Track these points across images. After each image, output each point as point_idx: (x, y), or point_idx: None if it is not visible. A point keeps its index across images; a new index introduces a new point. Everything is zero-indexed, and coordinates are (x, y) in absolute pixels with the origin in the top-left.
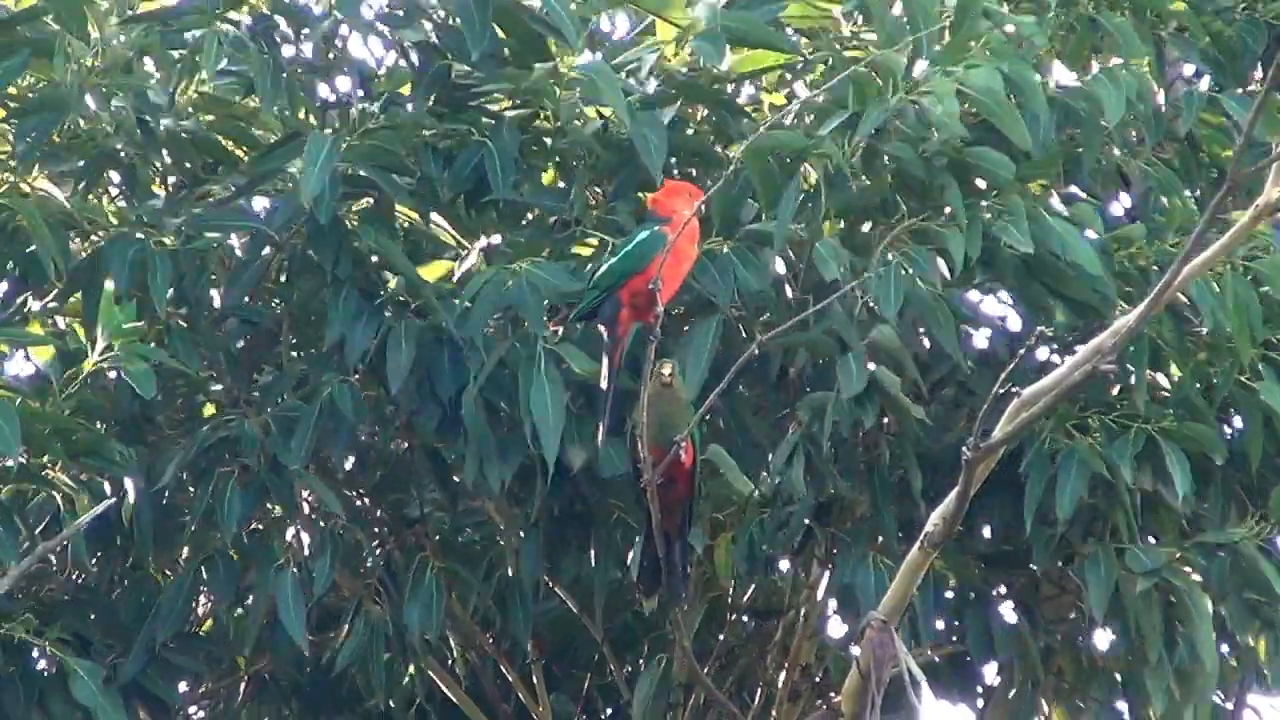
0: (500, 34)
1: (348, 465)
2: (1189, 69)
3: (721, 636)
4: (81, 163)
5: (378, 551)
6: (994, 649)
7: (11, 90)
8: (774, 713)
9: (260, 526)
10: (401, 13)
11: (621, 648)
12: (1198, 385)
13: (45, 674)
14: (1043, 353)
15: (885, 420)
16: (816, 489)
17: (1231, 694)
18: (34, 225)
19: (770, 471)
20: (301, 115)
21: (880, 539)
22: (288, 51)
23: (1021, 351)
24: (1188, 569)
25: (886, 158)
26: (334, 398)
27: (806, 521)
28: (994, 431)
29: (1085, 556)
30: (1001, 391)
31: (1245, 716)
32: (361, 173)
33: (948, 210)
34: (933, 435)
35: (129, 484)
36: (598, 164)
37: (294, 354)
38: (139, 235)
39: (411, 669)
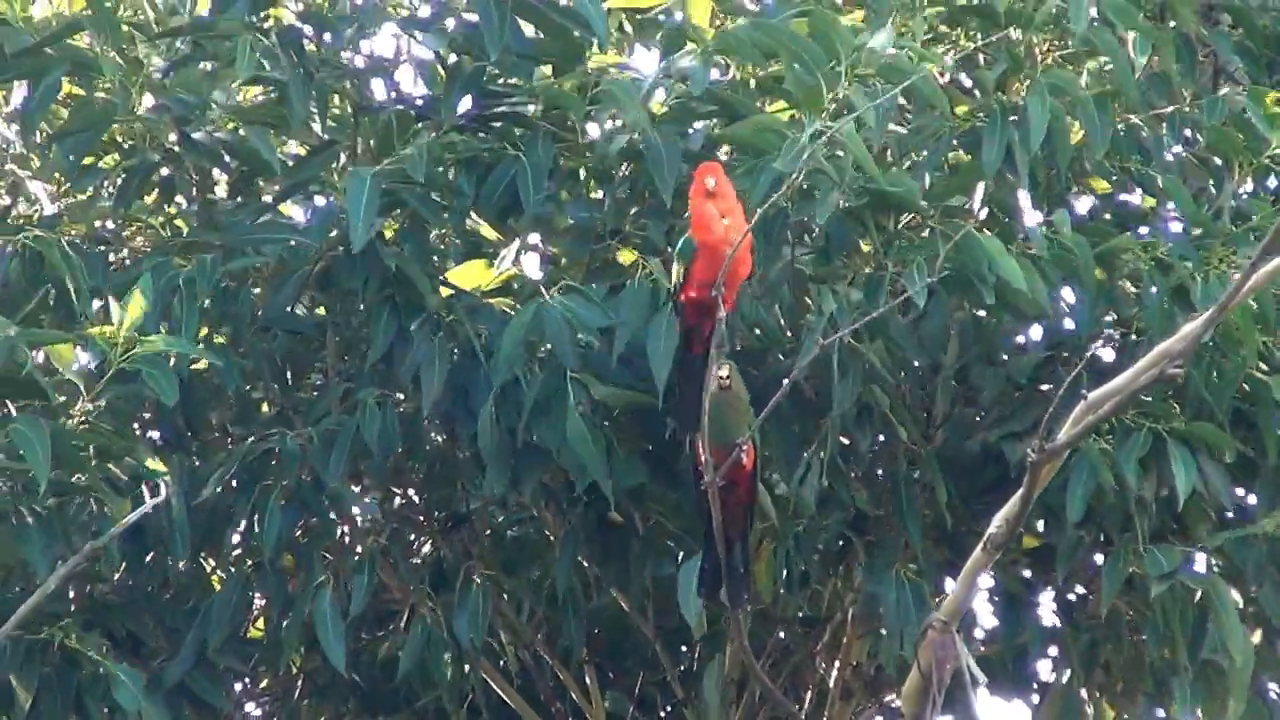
0: (532, 31)
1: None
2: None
3: (780, 635)
4: (122, 177)
5: (426, 550)
6: (1039, 645)
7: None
8: (826, 712)
9: (305, 536)
10: (429, 11)
11: (675, 646)
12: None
13: (87, 678)
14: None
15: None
16: (843, 503)
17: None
18: (54, 263)
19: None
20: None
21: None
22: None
23: (1087, 354)
24: (1216, 564)
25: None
26: (361, 424)
27: (844, 532)
28: (1059, 434)
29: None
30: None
31: None
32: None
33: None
34: (952, 443)
35: (164, 489)
36: (632, 173)
37: (342, 360)
38: (177, 261)
39: (466, 668)
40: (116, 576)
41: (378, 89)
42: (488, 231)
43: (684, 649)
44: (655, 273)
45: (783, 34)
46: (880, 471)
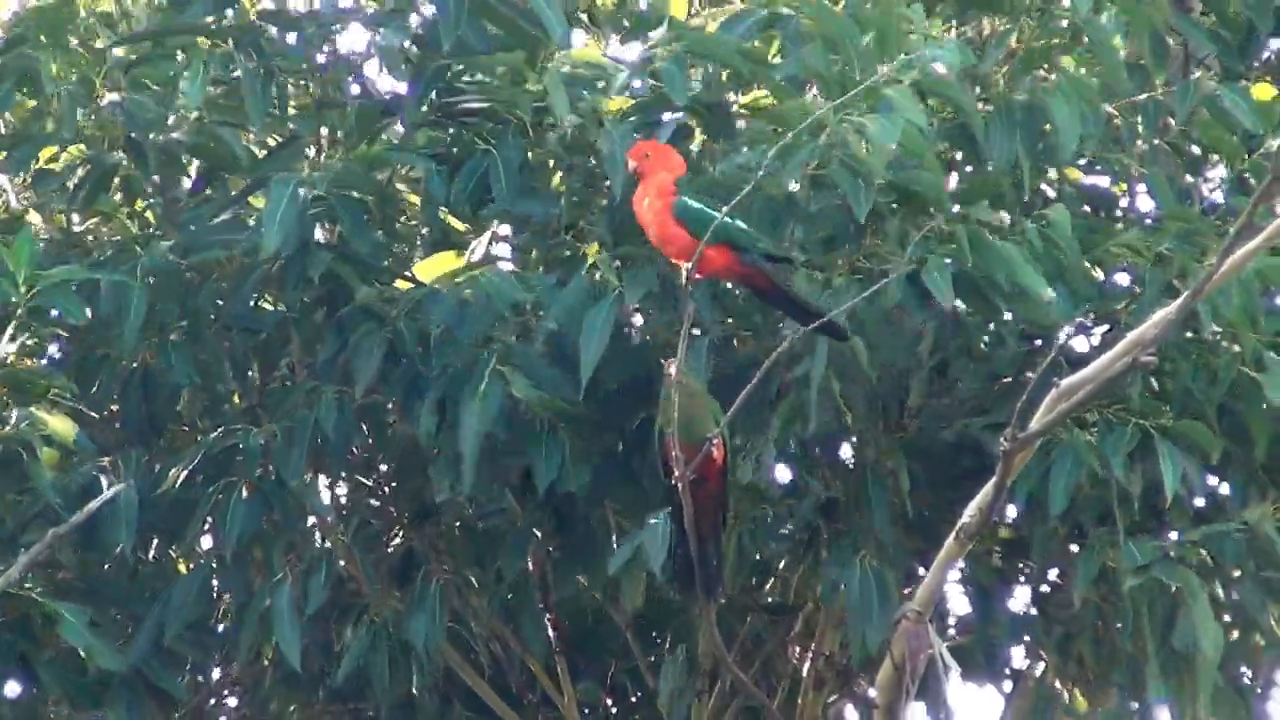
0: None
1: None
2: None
3: (751, 624)
4: (76, 179)
5: (396, 541)
6: (1012, 634)
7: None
8: (799, 701)
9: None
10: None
11: (646, 634)
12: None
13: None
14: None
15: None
16: (812, 489)
17: (1261, 674)
18: None
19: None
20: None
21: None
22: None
23: (1059, 343)
24: (1190, 557)
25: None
26: (319, 418)
27: (810, 520)
28: (1032, 422)
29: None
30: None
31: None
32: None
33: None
34: (927, 433)
35: (106, 485)
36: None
37: (307, 356)
38: (136, 248)
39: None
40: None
41: (347, 83)
42: (455, 223)
43: (655, 636)
44: (601, 267)
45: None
46: (852, 460)
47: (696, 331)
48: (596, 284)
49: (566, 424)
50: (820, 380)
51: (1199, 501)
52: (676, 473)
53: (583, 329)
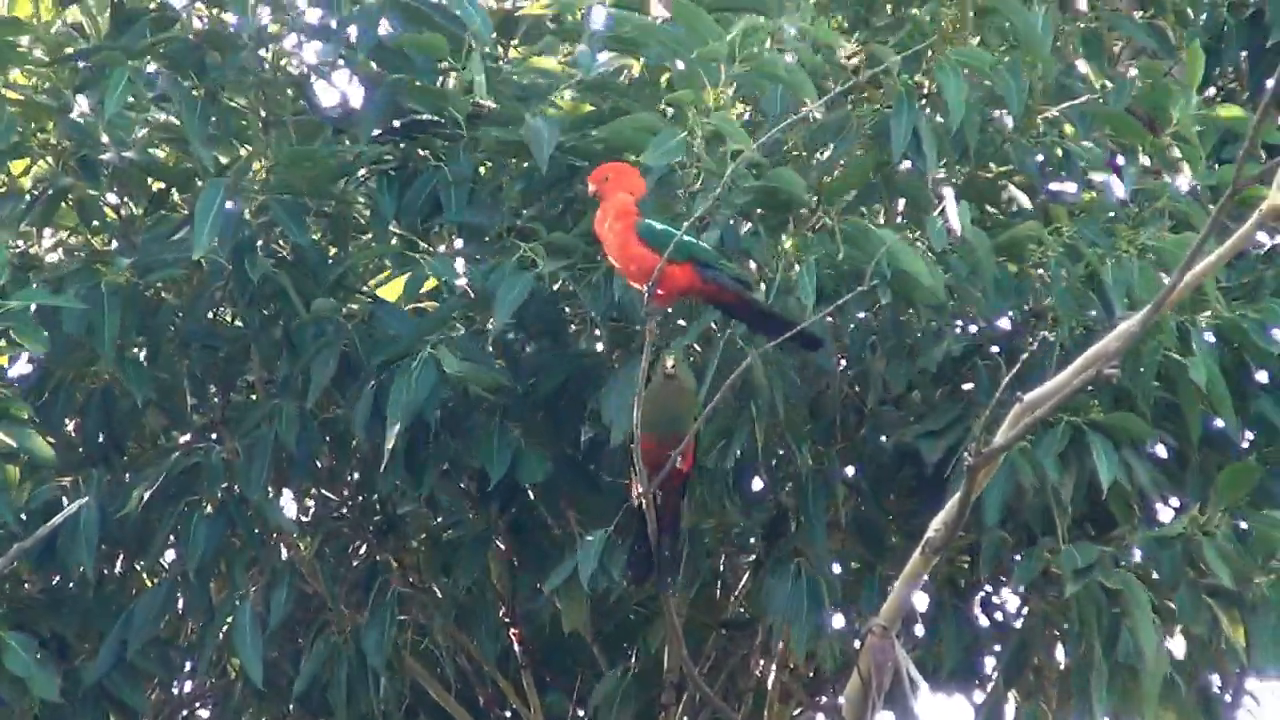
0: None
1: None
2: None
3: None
4: (26, 201)
5: (361, 552)
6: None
7: None
8: (766, 713)
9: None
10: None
11: (614, 646)
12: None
13: None
14: None
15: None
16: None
17: (1230, 683)
18: None
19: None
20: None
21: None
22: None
23: (1024, 357)
24: (1127, 559)
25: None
26: (280, 433)
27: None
28: (996, 436)
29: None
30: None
31: (1244, 703)
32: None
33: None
34: (871, 441)
35: (68, 503)
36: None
37: (267, 372)
38: (95, 268)
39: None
40: (48, 580)
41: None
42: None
43: (625, 647)
44: (538, 260)
45: (659, 30)
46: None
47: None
48: (523, 259)
49: (515, 418)
50: (765, 396)
51: (1166, 513)
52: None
53: (500, 285)
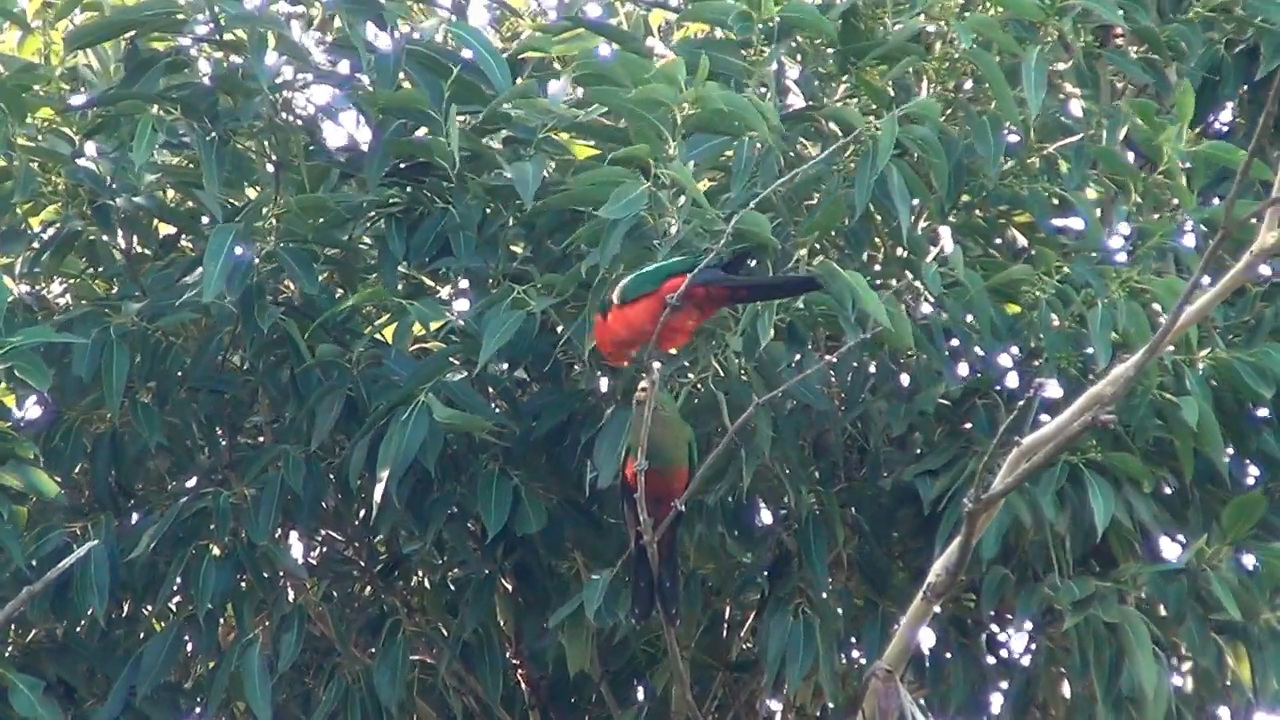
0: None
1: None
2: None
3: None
4: (36, 246)
5: (366, 593)
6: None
7: None
8: None
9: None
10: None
11: (621, 686)
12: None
13: None
14: None
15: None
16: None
17: (1238, 716)
18: None
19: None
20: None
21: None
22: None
23: (1020, 404)
24: (1128, 592)
25: None
26: (286, 477)
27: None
28: (995, 481)
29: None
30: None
31: None
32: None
33: None
34: (872, 480)
35: (77, 548)
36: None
37: (275, 417)
38: (103, 314)
39: None
40: (56, 624)
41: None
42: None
43: (636, 684)
44: (529, 300)
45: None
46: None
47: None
48: (516, 301)
49: (517, 460)
50: (765, 441)
51: (1172, 550)
52: (645, 537)
53: (487, 323)
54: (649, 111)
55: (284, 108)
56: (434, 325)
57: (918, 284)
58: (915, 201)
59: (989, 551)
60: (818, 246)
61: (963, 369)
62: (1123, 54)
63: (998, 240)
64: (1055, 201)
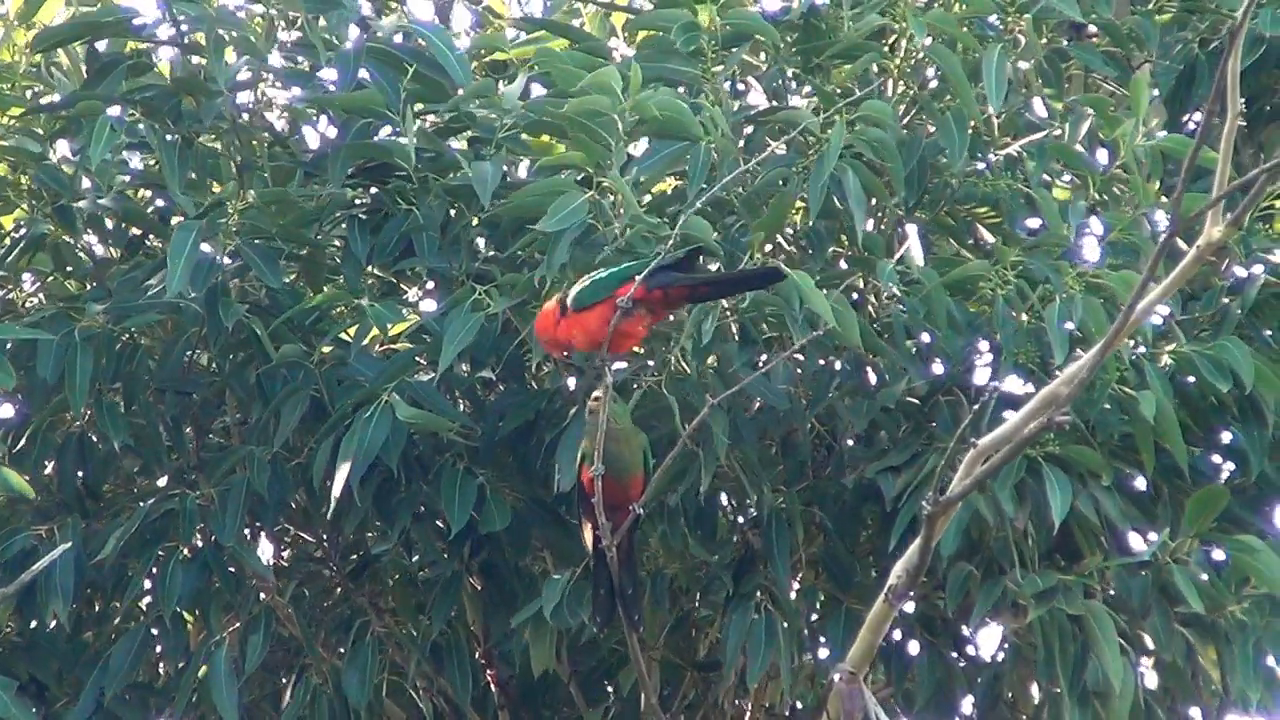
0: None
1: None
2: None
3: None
4: (4, 246)
5: (335, 594)
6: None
7: None
8: None
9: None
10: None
11: (594, 685)
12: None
13: None
14: None
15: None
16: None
17: (1209, 714)
18: None
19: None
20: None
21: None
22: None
23: (976, 406)
24: (1093, 586)
25: None
26: (251, 479)
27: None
28: (952, 485)
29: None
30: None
31: None
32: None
33: None
34: (834, 478)
35: (44, 550)
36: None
37: (241, 418)
38: (71, 314)
39: None
40: (26, 624)
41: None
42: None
43: (606, 685)
44: (489, 300)
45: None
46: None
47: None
48: (477, 302)
49: (483, 461)
50: (719, 441)
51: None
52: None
53: (448, 325)
54: (591, 120)
55: (254, 108)
56: (394, 329)
57: (878, 283)
58: (873, 201)
59: (949, 548)
60: (770, 247)
61: (937, 367)
62: (1089, 49)
63: (970, 241)
64: (1023, 200)
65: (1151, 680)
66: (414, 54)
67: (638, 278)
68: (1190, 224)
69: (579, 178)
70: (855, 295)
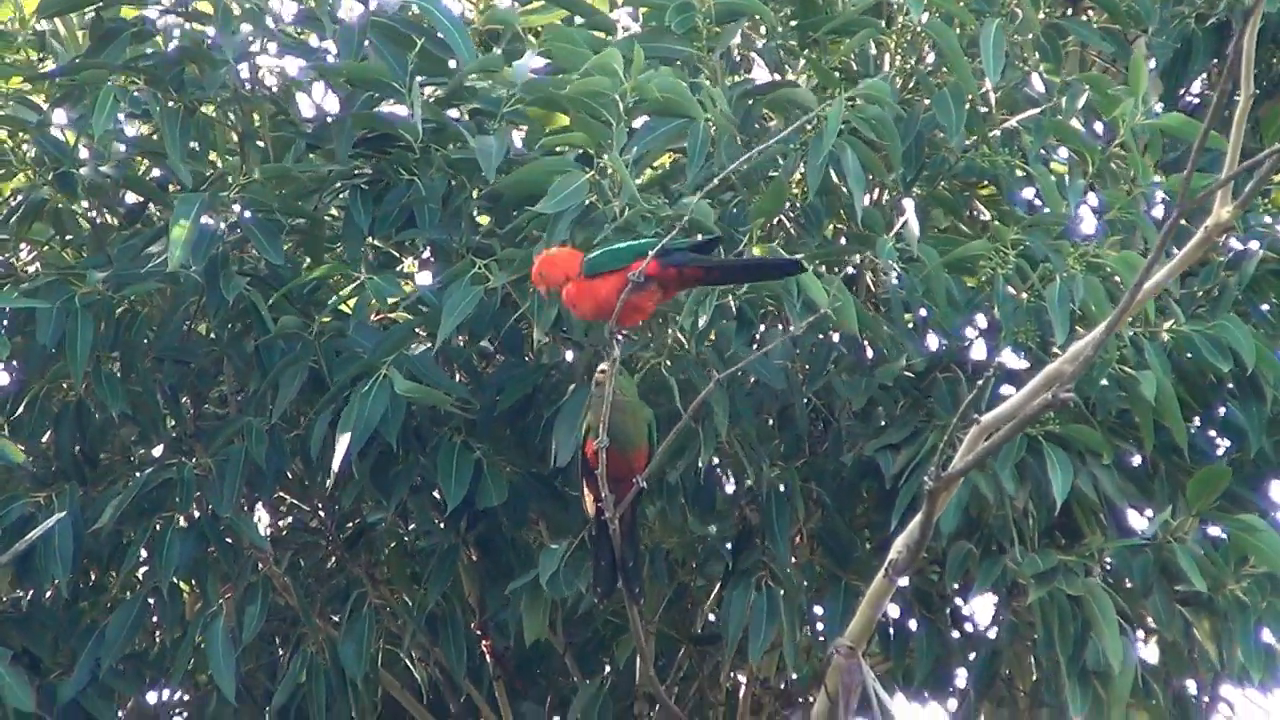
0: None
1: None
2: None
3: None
4: (4, 212)
5: (331, 564)
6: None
7: None
8: None
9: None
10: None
11: (590, 657)
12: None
13: None
14: None
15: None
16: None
17: (1205, 688)
18: None
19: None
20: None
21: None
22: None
23: (979, 382)
24: (1093, 566)
25: None
26: (249, 449)
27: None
28: (954, 460)
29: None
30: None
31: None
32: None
33: None
34: (831, 454)
35: (42, 518)
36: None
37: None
38: (69, 282)
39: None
40: (20, 594)
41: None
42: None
43: (603, 657)
44: (489, 274)
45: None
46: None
47: None
48: (476, 276)
49: (481, 434)
50: (722, 423)
51: (1141, 522)
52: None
53: (447, 298)
54: (593, 100)
55: (252, 78)
56: (393, 301)
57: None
58: (870, 178)
59: (949, 525)
60: (771, 225)
61: (932, 341)
62: (1086, 24)
63: (967, 214)
64: (1020, 174)
65: (1151, 654)
66: (417, 29)
67: (652, 252)
68: (1197, 204)
69: (577, 154)
70: (852, 270)
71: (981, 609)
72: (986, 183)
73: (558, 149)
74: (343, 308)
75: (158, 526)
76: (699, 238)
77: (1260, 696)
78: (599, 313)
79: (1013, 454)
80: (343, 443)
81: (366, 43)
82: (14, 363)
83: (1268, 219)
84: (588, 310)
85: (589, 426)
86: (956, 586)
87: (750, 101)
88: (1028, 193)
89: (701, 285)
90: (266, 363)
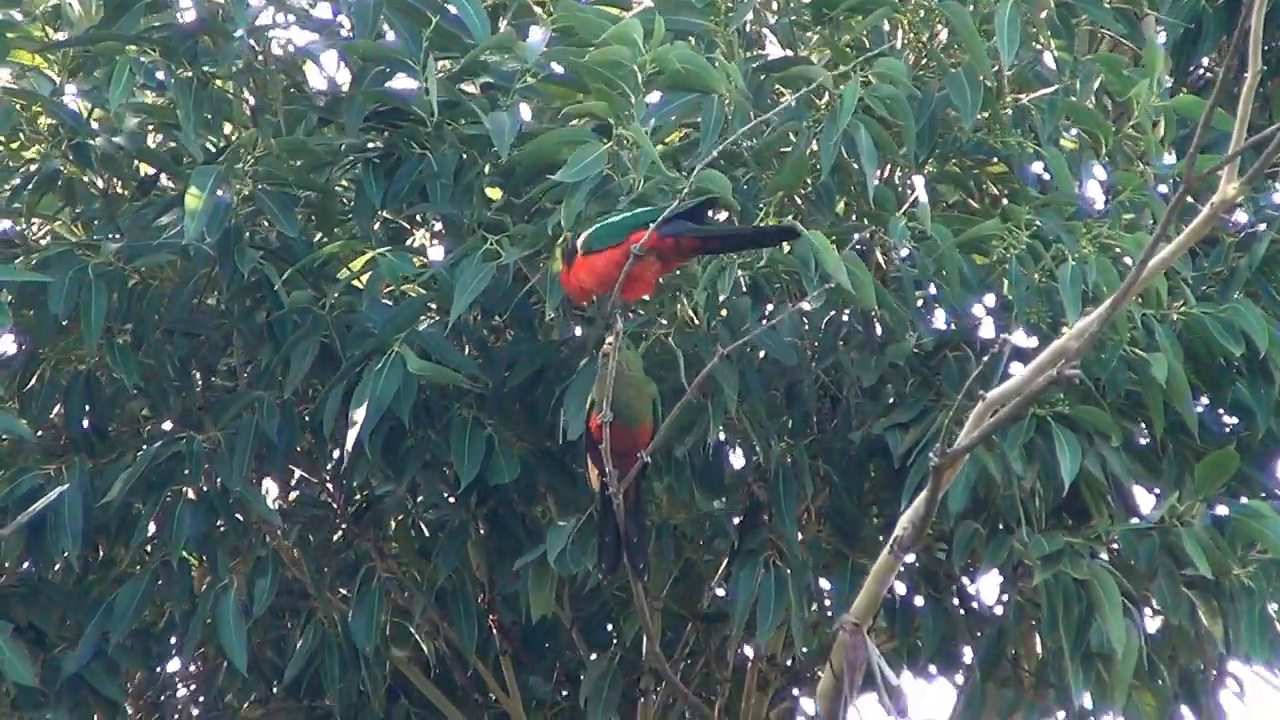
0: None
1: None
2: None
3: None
4: (16, 181)
5: (340, 538)
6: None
7: None
8: (743, 702)
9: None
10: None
11: (595, 631)
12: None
13: None
14: None
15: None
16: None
17: (1211, 665)
18: None
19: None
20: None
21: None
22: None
23: (986, 358)
24: (1098, 549)
25: None
26: (260, 422)
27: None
28: (960, 436)
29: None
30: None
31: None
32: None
33: None
34: (840, 432)
35: (56, 492)
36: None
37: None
38: (81, 254)
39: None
40: (24, 566)
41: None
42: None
43: (611, 631)
44: (501, 250)
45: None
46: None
47: None
48: (488, 251)
49: (491, 410)
50: (730, 400)
51: (1148, 502)
52: (610, 488)
53: (459, 275)
54: (612, 71)
55: (264, 51)
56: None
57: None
58: (881, 155)
59: (956, 505)
60: (785, 203)
61: (940, 319)
62: (1098, 3)
63: (976, 191)
64: (1032, 151)
65: (1153, 629)
66: (432, 5)
67: (651, 225)
68: (1202, 181)
69: (594, 126)
70: (862, 247)
71: (988, 588)
72: (996, 160)
73: (574, 120)
74: (355, 283)
75: (167, 499)
76: (692, 203)
77: (1270, 674)
78: (601, 286)
79: (1021, 435)
80: (357, 420)
81: (381, 18)
82: (25, 334)
83: (1278, 199)
84: (590, 285)
85: (593, 401)
86: (963, 565)
87: (764, 77)
88: (1036, 166)
89: (699, 254)
90: (279, 336)
